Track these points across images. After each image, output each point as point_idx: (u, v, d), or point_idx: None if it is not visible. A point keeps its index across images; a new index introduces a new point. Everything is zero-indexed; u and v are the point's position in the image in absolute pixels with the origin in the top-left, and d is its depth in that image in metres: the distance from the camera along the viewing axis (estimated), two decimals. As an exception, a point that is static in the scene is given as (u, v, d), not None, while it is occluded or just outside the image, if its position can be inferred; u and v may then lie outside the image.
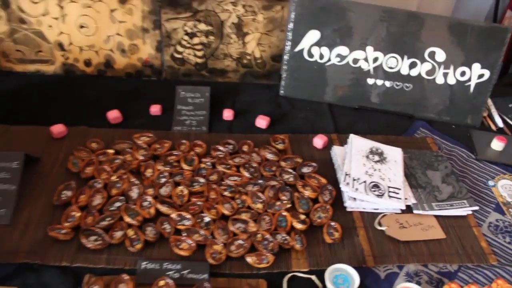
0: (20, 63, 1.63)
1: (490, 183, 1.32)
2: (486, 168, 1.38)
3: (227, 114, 1.48)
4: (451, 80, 1.51)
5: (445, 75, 1.51)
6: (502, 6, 2.45)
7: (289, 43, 1.52)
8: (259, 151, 1.33)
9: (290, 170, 1.28)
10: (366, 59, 1.52)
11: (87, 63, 1.64)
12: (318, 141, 1.39)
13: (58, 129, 1.35)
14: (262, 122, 1.45)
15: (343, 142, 1.38)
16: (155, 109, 1.47)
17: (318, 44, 1.50)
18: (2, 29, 1.56)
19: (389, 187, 1.23)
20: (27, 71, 1.65)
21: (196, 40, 1.59)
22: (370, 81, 1.54)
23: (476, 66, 1.49)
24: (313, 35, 1.50)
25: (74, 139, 1.35)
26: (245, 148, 1.35)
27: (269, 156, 1.32)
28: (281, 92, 1.59)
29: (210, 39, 1.59)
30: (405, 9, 1.46)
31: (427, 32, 1.46)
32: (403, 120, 1.56)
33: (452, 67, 1.49)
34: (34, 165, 1.24)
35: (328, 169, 1.31)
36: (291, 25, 1.49)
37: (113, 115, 1.43)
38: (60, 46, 1.60)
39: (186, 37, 1.58)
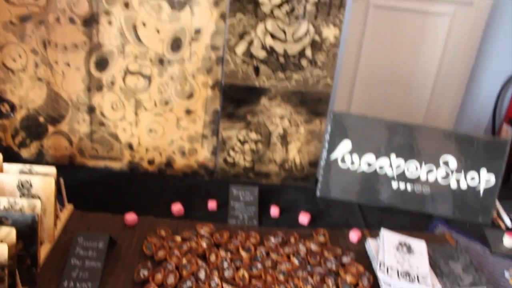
0: (92, 159, 1.91)
1: (507, 275, 1.52)
2: (501, 261, 1.59)
3: (274, 211, 1.72)
4: (463, 185, 1.78)
5: (458, 180, 1.78)
6: (499, 119, 2.81)
7: (325, 151, 1.81)
8: (304, 243, 1.55)
9: (332, 259, 1.49)
10: (390, 166, 1.79)
11: (151, 162, 1.92)
12: (353, 235, 1.61)
13: (131, 217, 1.58)
14: (304, 218, 1.69)
15: (374, 236, 1.61)
16: (212, 205, 1.72)
17: (350, 152, 1.79)
18: (84, 130, 1.86)
19: (417, 275, 1.43)
20: (97, 166, 1.92)
21: (246, 146, 1.88)
22: (394, 184, 1.81)
23: (484, 172, 1.76)
24: (345, 145, 1.79)
25: (144, 227, 1.58)
26: (292, 239, 1.57)
27: (313, 247, 1.54)
28: (318, 193, 1.85)
29: (259, 146, 1.88)
30: (421, 124, 1.77)
31: (441, 142, 1.75)
32: (424, 218, 1.79)
33: (463, 173, 1.77)
34: (112, 247, 1.45)
35: (363, 259, 1.53)
36: (327, 136, 1.79)
37: (177, 207, 1.67)
38: (130, 146, 1.89)
39: (238, 144, 1.88)
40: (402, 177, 1.80)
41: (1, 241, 1.17)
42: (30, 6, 1.69)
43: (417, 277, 1.43)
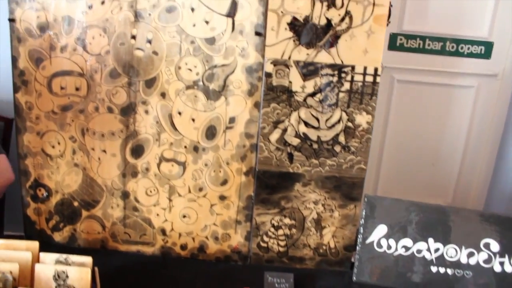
0: (124, 244, 1.91)
1: None
2: None
3: (310, 298, 1.68)
4: (508, 268, 1.72)
5: (502, 263, 1.72)
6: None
7: (360, 236, 1.78)
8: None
9: None
10: (428, 249, 1.75)
11: (183, 247, 1.91)
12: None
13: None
14: (341, 306, 1.64)
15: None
16: (247, 292, 1.69)
17: (386, 236, 1.76)
18: (117, 215, 1.87)
19: None
20: (129, 251, 1.91)
21: (280, 231, 1.87)
22: (433, 269, 1.76)
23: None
24: (381, 229, 1.76)
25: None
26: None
27: None
28: (354, 278, 1.81)
29: (293, 231, 1.87)
30: (458, 207, 1.75)
31: (480, 225, 1.71)
32: (466, 306, 1.73)
33: (507, 256, 1.71)
34: None
35: None
36: (362, 221, 1.77)
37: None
38: (163, 231, 1.89)
39: (272, 229, 1.87)
40: (441, 261, 1.75)
41: None
42: (72, 97, 1.76)
43: None
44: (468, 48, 2.41)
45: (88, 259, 1.47)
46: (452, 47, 2.41)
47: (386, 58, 2.21)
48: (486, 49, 2.35)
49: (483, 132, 2.55)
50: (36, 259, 1.48)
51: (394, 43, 2.37)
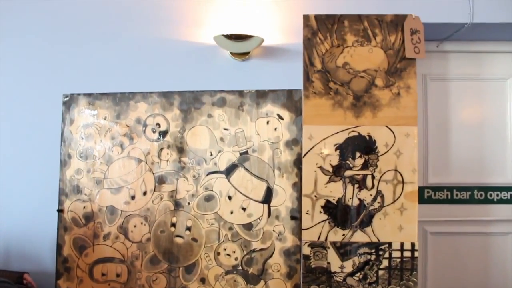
0: None
1: None
2: None
3: None
4: None
5: None
6: None
7: None
8: None
9: None
10: None
11: None
12: None
13: None
14: None
15: None
16: None
17: None
18: None
19: None
20: None
21: None
22: None
23: None
24: None
25: None
26: None
27: None
28: None
29: None
30: None
31: None
32: None
33: None
34: None
35: None
36: None
37: None
38: None
39: None
40: None
41: None
42: (112, 283, 1.79)
43: None
44: (497, 195, 2.44)
45: None
46: (481, 195, 2.44)
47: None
48: (515, 195, 2.37)
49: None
50: None
51: (422, 196, 2.41)
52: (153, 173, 1.79)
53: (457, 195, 2.46)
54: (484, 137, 2.39)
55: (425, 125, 2.23)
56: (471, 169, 2.41)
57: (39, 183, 2.08)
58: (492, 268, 2.47)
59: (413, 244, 1.72)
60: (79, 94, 1.88)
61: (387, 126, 1.75)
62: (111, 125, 1.84)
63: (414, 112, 1.77)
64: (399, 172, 1.73)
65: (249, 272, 1.73)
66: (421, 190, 2.41)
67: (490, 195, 2.42)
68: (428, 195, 2.43)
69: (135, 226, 1.79)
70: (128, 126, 1.83)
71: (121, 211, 1.80)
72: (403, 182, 1.71)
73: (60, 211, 1.83)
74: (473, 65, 2.29)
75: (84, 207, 1.82)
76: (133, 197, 1.79)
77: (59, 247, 1.83)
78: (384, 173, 1.73)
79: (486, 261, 2.49)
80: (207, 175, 1.76)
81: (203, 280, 1.75)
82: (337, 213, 1.72)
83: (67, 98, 1.87)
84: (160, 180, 1.79)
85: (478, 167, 2.42)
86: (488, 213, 2.43)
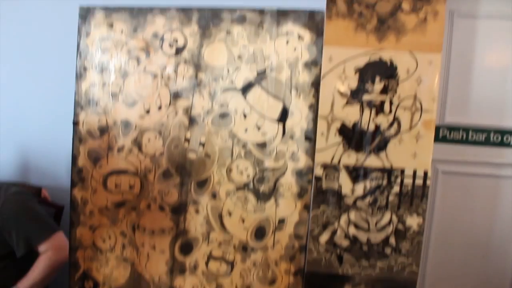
0: None
1: None
2: None
3: None
4: None
5: None
6: None
7: None
8: None
9: None
10: None
11: None
12: None
13: None
14: None
15: None
16: None
17: None
18: None
19: None
20: None
21: (331, 336, 1.81)
22: None
23: None
24: None
25: None
26: None
27: None
28: None
29: (344, 336, 1.81)
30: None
31: None
32: None
33: None
34: None
35: None
36: (416, 329, 1.70)
37: None
38: (209, 331, 1.86)
39: (322, 333, 1.81)
40: None
41: None
42: (125, 194, 1.82)
43: None
44: (514, 139, 2.40)
45: None
46: (497, 138, 2.41)
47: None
48: (532, 140, 2.34)
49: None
50: None
51: (437, 135, 2.39)
52: (168, 88, 1.77)
53: (472, 136, 2.43)
54: (507, 82, 2.33)
55: (447, 64, 2.17)
56: (490, 111, 2.37)
57: (55, 96, 2.09)
58: (500, 211, 2.48)
59: (425, 172, 1.71)
60: (95, 7, 1.84)
61: (410, 52, 1.70)
62: (127, 39, 1.81)
63: (440, 39, 1.72)
64: (419, 100, 1.70)
65: (260, 190, 1.75)
66: (436, 129, 2.37)
67: (507, 138, 2.39)
68: (443, 135, 2.41)
69: (149, 140, 1.80)
70: (145, 40, 1.80)
71: (136, 125, 1.80)
72: (421, 110, 1.69)
73: (75, 123, 1.84)
74: (509, 2, 2.19)
75: (99, 120, 1.83)
76: (148, 112, 1.79)
77: (74, 158, 1.85)
78: (403, 99, 1.70)
79: (494, 203, 2.49)
80: (223, 92, 1.75)
81: (214, 195, 1.77)
82: (352, 137, 1.71)
83: (84, 11, 1.84)
84: (176, 96, 1.77)
85: (497, 110, 2.37)
86: (502, 156, 2.41)
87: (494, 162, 2.40)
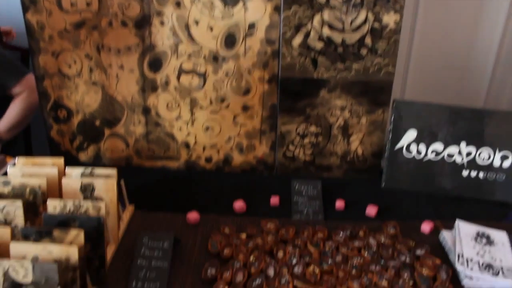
0: (149, 160, 1.91)
1: None
2: None
3: (339, 205, 1.66)
4: (541, 170, 1.66)
5: (535, 166, 1.66)
6: None
7: (389, 142, 1.73)
8: (374, 236, 1.48)
9: (406, 252, 1.41)
10: (459, 153, 1.70)
11: (208, 160, 1.89)
12: (426, 227, 1.53)
13: (193, 216, 1.56)
14: (371, 211, 1.62)
15: (448, 228, 1.52)
16: (274, 200, 1.68)
17: (416, 141, 1.71)
18: (140, 131, 1.86)
19: (502, 267, 1.33)
20: (154, 167, 1.91)
21: (306, 140, 1.83)
22: (465, 173, 1.71)
23: None
24: (410, 134, 1.71)
25: (207, 225, 1.55)
26: (361, 233, 1.50)
27: (384, 240, 1.46)
28: (383, 184, 1.77)
29: (319, 139, 1.83)
30: (492, 109, 1.67)
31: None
32: (499, 207, 1.69)
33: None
34: (177, 246, 1.43)
35: (438, 252, 1.44)
36: (391, 126, 1.71)
37: (239, 204, 1.64)
38: (186, 145, 1.88)
39: (297, 138, 1.83)
40: (473, 164, 1.70)
41: (71, 243, 1.17)
42: (83, 13, 1.70)
43: (502, 269, 1.33)
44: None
45: (112, 171, 1.46)
46: None
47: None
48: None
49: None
50: (63, 174, 1.48)
51: None
52: None
53: None
54: None
55: None
56: None
57: None
58: (483, 20, 2.37)
59: (403, -38, 1.58)
60: None
61: None
62: None
63: None
64: None
65: (228, -9, 1.63)
66: None
67: None
68: None
69: None
70: None
71: None
72: None
73: None
74: None
75: None
76: None
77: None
78: None
79: (477, 22, 2.39)
80: None
81: (178, 4, 1.66)
82: None
83: None
84: None
85: None
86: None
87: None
